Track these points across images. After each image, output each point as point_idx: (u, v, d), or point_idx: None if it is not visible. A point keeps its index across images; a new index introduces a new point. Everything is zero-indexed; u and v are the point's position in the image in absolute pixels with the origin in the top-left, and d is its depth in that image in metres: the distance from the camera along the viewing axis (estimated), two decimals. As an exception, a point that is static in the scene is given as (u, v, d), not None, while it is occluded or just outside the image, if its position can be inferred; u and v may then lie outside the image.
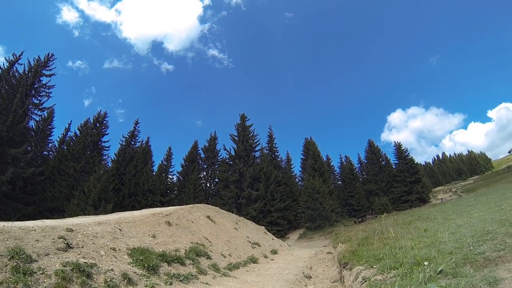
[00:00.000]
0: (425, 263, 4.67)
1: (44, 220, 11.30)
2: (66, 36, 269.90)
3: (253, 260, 13.39)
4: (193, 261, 9.53)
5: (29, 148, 39.16)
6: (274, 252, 17.54)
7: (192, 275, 8.26)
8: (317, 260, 14.09)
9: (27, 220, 11.53)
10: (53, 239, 6.58)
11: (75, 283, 5.50)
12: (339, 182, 75.47)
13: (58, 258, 6.08)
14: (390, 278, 4.79)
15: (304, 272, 11.00)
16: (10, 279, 4.76)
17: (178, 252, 9.65)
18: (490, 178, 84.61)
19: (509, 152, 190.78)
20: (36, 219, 13.27)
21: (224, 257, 12.18)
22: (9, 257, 5.26)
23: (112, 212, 29.23)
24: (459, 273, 3.99)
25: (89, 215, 23.08)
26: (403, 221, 13.32)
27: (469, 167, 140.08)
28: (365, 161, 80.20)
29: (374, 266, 5.98)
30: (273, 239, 23.41)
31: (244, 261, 12.77)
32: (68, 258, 6.22)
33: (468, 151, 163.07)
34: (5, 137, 33.76)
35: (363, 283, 5.49)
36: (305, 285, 9.31)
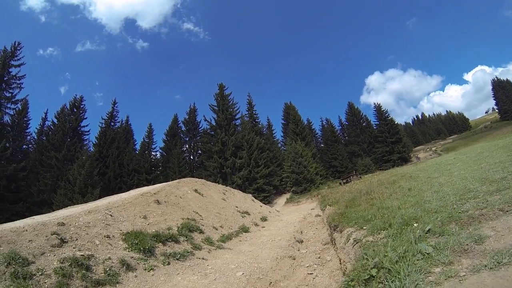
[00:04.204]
0: (415, 224, 4.86)
1: (34, 216, 11.19)
2: (33, 23, 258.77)
3: (245, 230, 13.64)
4: (186, 237, 9.68)
5: (7, 145, 37.49)
6: (264, 219, 17.86)
7: (188, 252, 8.42)
8: (307, 224, 14.42)
9: (16, 219, 11.37)
10: (46, 237, 6.56)
11: (75, 278, 5.55)
12: (322, 145, 76.32)
13: (55, 255, 6.09)
14: (381, 239, 4.96)
15: (296, 237, 11.30)
16: (11, 287, 4.77)
17: (171, 230, 9.77)
18: (468, 137, 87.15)
19: (486, 112, 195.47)
20: (25, 217, 13.16)
21: (216, 229, 12.38)
22: (5, 264, 5.25)
23: (100, 197, 29.04)
24: (446, 232, 4.16)
25: (78, 203, 22.92)
26: (387, 180, 13.57)
27: (447, 127, 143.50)
28: (346, 123, 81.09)
29: (364, 228, 6.17)
30: (261, 206, 23.75)
31: (236, 231, 13.01)
32: (65, 253, 6.24)
33: (447, 111, 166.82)
34: (-20, 137, 31.89)
35: (355, 244, 5.67)
36: (298, 250, 9.60)
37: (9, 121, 42.15)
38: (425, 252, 3.59)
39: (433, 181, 9.15)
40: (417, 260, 3.48)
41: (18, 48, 42.43)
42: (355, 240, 5.79)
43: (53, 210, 24.06)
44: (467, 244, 3.50)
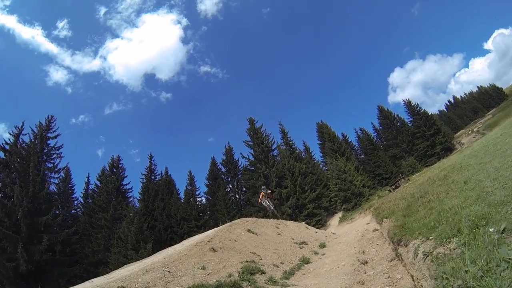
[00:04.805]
0: (490, 229, 4.37)
1: (92, 280, 11.32)
2: (61, 95, 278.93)
3: (306, 261, 13.23)
4: (249, 281, 9.43)
5: (57, 212, 40.50)
6: (323, 245, 17.33)
7: (254, 297, 8.19)
8: (366, 241, 13.87)
9: (75, 281, 11.62)
10: (110, 303, 6.56)
11: None
12: (362, 156, 75.16)
13: (122, 322, 6.04)
14: (454, 249, 4.58)
15: (359, 258, 10.84)
16: None
17: (232, 277, 9.57)
18: (508, 107, 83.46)
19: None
20: (83, 278, 13.38)
21: (277, 266, 12.06)
22: None
23: (153, 250, 29.53)
24: (523, 226, 3.79)
25: (132, 260, 23.24)
26: (437, 177, 12.81)
27: (483, 103, 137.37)
28: (380, 127, 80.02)
29: (430, 237, 5.70)
30: (316, 232, 23.16)
31: (297, 264, 12.63)
32: (131, 318, 6.19)
33: (478, 87, 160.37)
34: (31, 208, 34.40)
35: (425, 259, 5.30)
36: (365, 272, 9.18)
37: (55, 189, 46.42)
38: (509, 259, 3.25)
39: (487, 166, 8.52)
40: (503, 270, 3.14)
41: (52, 121, 46.05)
42: (424, 254, 5.41)
43: (110, 269, 24.45)
44: (553, 240, 3.17)
